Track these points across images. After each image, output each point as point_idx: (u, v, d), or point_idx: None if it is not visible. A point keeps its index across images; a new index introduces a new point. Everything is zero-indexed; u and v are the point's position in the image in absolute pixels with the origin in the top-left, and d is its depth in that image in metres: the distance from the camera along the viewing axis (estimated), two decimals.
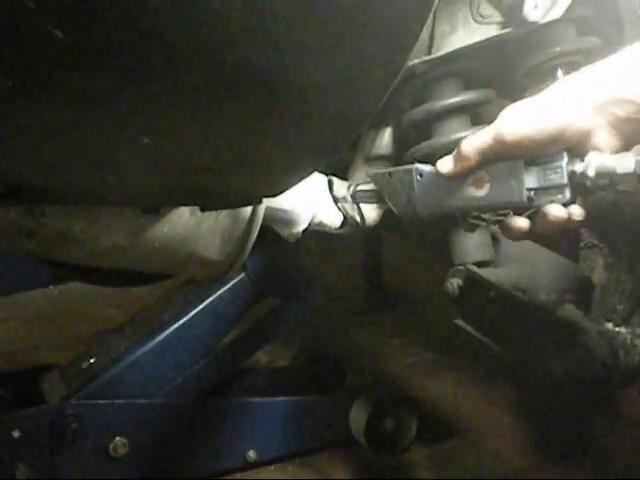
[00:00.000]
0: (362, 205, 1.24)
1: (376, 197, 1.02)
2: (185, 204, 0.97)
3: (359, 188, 1.19)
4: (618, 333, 1.05)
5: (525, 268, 1.26)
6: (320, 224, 1.25)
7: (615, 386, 1.09)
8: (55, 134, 0.60)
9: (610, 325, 1.06)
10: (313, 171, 0.87)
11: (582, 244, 1.09)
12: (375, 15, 0.58)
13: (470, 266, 1.24)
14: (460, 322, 1.22)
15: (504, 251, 1.30)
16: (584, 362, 1.06)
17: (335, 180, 1.24)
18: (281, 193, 0.89)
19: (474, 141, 0.84)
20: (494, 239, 1.30)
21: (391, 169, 0.98)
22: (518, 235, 0.86)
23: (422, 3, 0.62)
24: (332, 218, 1.26)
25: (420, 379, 1.87)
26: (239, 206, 1.03)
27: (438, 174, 0.89)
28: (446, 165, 0.88)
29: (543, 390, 1.48)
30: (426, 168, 0.92)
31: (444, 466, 1.52)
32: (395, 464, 1.53)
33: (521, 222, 0.85)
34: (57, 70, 0.51)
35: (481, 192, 0.86)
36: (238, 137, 0.69)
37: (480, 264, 1.26)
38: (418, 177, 0.92)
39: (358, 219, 1.27)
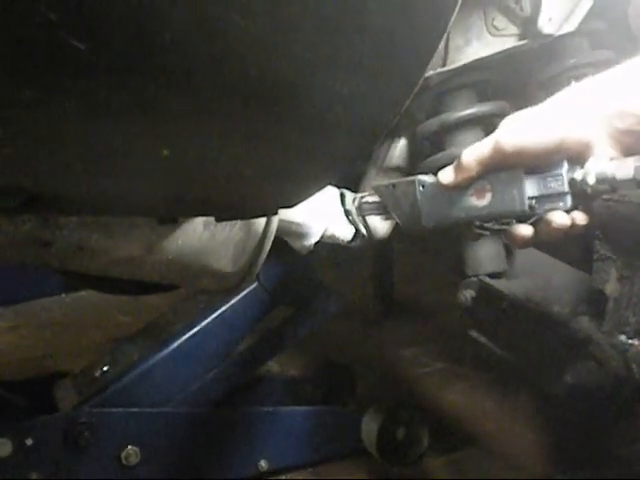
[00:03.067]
0: (374, 217, 1.24)
1: (381, 209, 1.02)
2: (202, 214, 0.97)
3: (364, 200, 1.19)
4: (631, 345, 1.05)
5: (538, 280, 1.26)
6: (332, 237, 1.26)
7: (628, 398, 1.09)
8: (74, 145, 0.61)
9: (623, 337, 1.06)
10: (329, 182, 0.87)
11: (595, 256, 1.09)
12: (394, 30, 0.59)
13: (483, 277, 1.24)
14: (474, 333, 1.22)
15: (517, 263, 1.30)
16: (597, 374, 1.06)
17: (347, 193, 1.25)
18: (297, 204, 0.89)
19: (474, 151, 0.84)
20: (507, 251, 1.30)
21: (394, 181, 0.98)
22: (523, 243, 0.86)
23: (440, 17, 0.62)
24: (344, 231, 1.26)
25: (432, 389, 1.87)
26: (255, 217, 1.03)
27: (440, 185, 0.89)
28: (447, 176, 0.87)
29: (556, 400, 1.47)
30: (428, 179, 0.92)
31: (456, 475, 1.52)
32: (407, 473, 1.53)
33: (525, 230, 0.84)
34: (78, 81, 0.51)
35: (483, 202, 0.86)
36: (257, 148, 0.69)
37: (493, 275, 1.26)
38: (421, 188, 0.92)
39: (364, 231, 1.27)
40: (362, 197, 1.19)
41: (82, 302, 2.46)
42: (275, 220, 1.10)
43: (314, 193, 0.87)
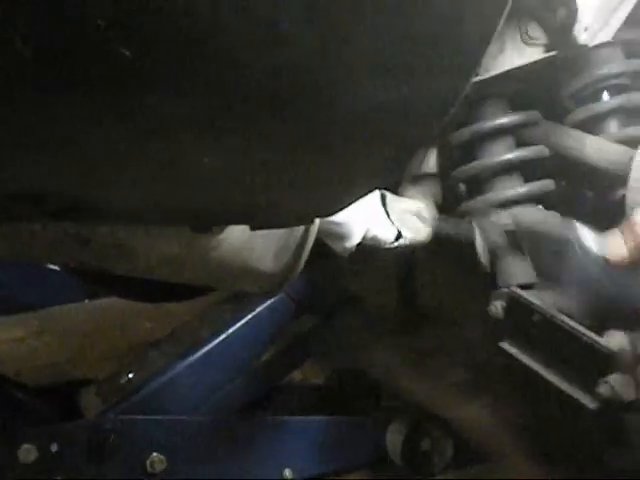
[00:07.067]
0: (414, 220, 1.22)
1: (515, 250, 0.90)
2: (236, 223, 0.97)
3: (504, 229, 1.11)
4: None
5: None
6: (374, 238, 1.23)
7: None
8: (116, 155, 0.60)
9: None
10: (369, 192, 0.85)
11: None
12: (443, 36, 0.58)
13: (514, 288, 1.22)
14: (505, 345, 1.21)
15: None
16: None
17: (388, 194, 1.22)
18: (335, 213, 0.88)
19: None
20: None
21: (544, 229, 0.86)
22: None
23: (488, 23, 0.61)
24: (386, 232, 1.23)
25: (456, 401, 1.85)
26: (290, 226, 1.02)
27: (607, 261, 0.76)
28: (618, 251, 0.75)
29: (584, 418, 1.45)
30: (591, 244, 0.79)
31: None
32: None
33: None
34: (124, 90, 0.50)
35: None
36: (298, 157, 0.69)
37: (524, 287, 1.24)
38: (578, 251, 0.79)
39: (409, 235, 1.24)
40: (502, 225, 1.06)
41: (106, 308, 2.46)
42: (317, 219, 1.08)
43: (354, 202, 0.86)
